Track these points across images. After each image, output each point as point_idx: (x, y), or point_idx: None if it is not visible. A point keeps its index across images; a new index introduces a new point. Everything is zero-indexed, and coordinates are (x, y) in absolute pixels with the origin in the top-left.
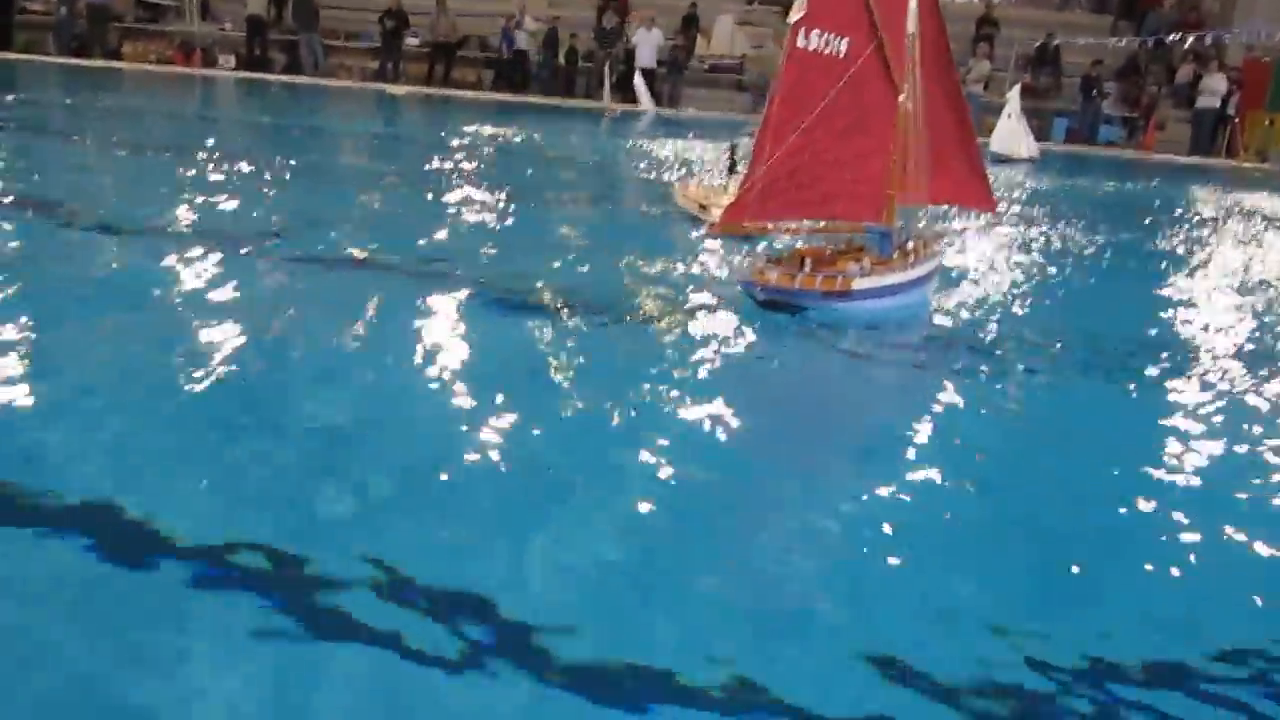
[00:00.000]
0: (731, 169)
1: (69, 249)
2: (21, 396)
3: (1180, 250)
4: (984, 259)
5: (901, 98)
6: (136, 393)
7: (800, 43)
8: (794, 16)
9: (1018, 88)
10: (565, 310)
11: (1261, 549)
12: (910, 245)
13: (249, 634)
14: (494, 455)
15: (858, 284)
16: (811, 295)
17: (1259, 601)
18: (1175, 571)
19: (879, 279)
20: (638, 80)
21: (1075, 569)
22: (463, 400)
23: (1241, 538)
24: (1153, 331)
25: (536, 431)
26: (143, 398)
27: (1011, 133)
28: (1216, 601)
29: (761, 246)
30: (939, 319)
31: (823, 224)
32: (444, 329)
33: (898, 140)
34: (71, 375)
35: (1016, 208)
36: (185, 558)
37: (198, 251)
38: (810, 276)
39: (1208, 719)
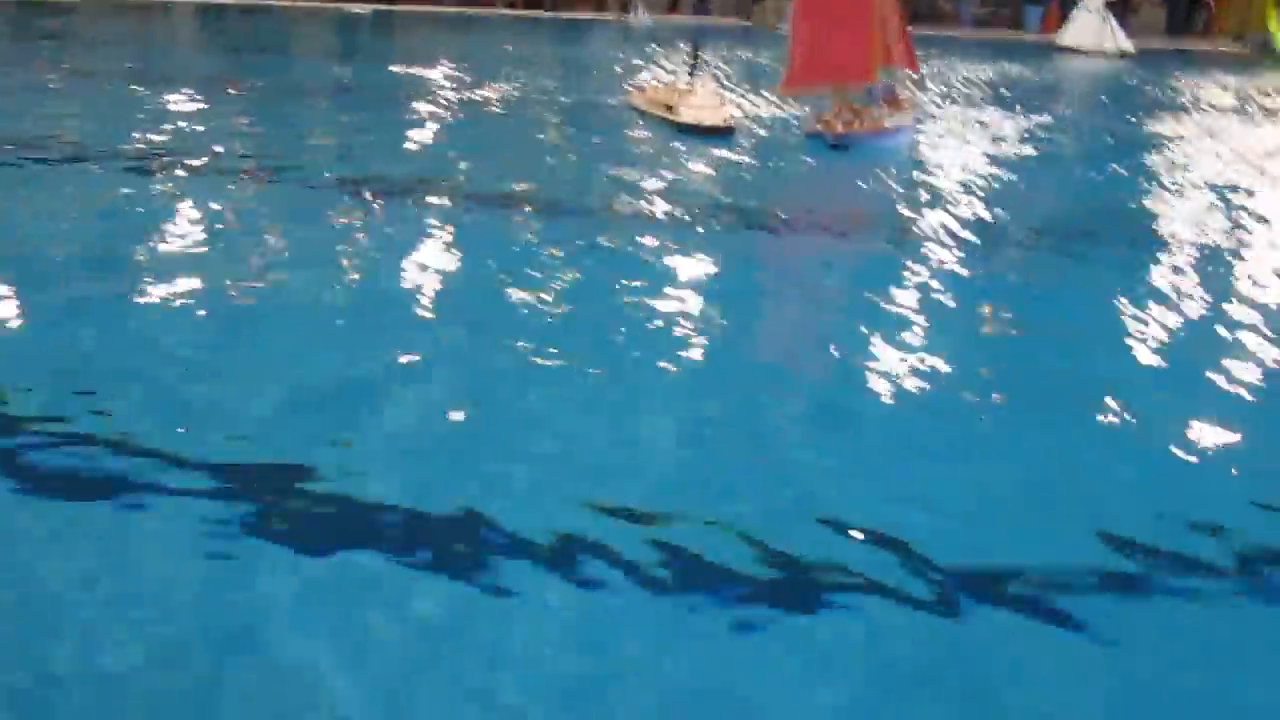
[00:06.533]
0: (693, 69)
1: (40, 177)
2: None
3: (1149, 133)
4: (958, 142)
5: None
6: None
7: None
8: None
9: None
10: (541, 213)
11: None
12: (902, 97)
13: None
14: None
15: (889, 123)
16: (868, 135)
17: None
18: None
19: (899, 120)
20: None
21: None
22: (457, 302)
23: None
24: (1116, 209)
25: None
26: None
27: (1086, 28)
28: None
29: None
30: (913, 196)
31: (833, 84)
32: (434, 239)
33: (874, 24)
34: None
35: (1010, 94)
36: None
37: (174, 177)
38: (862, 122)
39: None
